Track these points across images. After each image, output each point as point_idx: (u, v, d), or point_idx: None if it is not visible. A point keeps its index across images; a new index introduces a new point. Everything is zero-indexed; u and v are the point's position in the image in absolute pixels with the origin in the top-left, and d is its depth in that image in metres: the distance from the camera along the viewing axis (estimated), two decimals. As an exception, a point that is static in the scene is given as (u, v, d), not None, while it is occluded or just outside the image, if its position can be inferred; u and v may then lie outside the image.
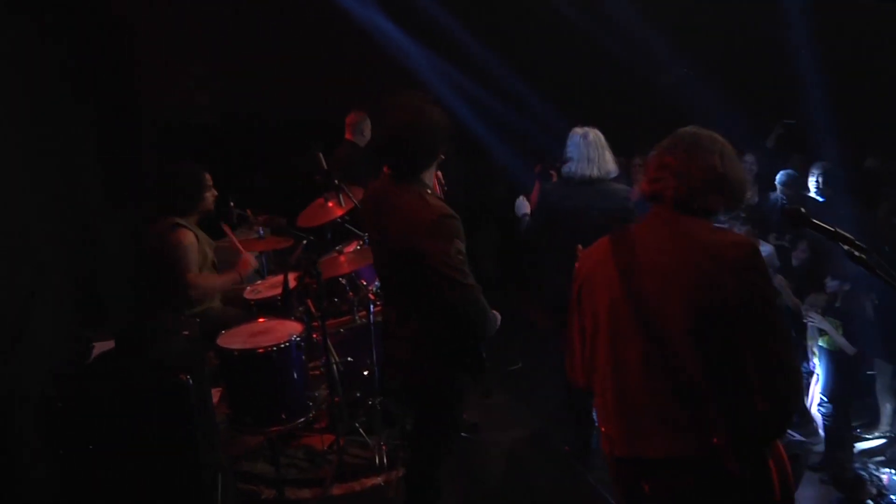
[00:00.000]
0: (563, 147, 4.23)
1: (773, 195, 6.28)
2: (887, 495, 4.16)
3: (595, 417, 3.63)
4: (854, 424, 4.63)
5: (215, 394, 3.90)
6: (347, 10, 7.21)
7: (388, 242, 2.90)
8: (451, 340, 2.92)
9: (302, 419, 3.84)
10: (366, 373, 4.49)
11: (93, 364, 2.84)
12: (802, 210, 2.08)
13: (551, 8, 7.44)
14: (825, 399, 4.46)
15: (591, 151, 4.10)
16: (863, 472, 4.29)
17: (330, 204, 4.84)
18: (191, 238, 4.15)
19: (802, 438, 4.60)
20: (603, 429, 2.36)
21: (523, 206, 4.59)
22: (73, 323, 3.90)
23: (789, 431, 4.41)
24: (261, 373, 3.70)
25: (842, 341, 4.33)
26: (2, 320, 2.98)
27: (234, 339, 3.79)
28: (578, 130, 4.18)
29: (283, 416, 3.77)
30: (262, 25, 7.66)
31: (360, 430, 4.46)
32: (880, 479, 4.27)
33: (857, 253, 2.02)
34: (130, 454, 2.71)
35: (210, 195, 4.31)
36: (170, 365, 2.74)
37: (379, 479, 4.12)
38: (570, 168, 4.16)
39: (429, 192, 2.88)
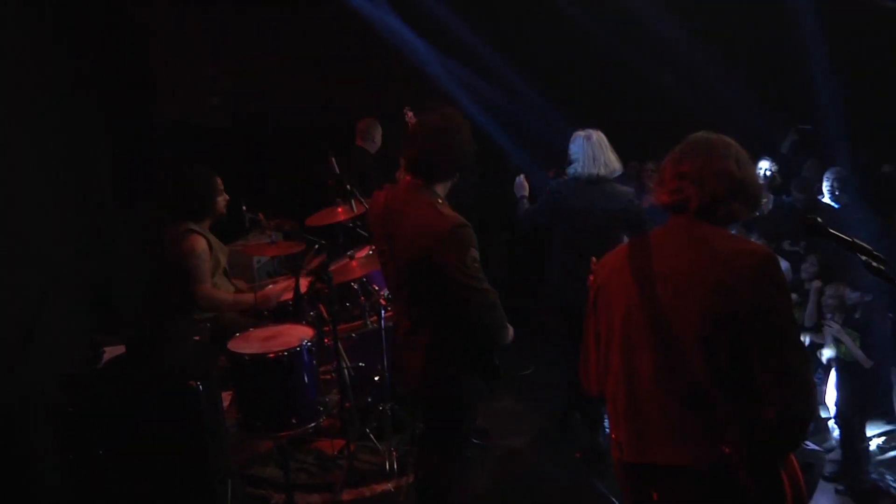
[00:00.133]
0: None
1: (786, 199, 6.23)
2: (904, 505, 4.11)
3: (607, 424, 3.62)
4: (871, 435, 4.56)
5: (226, 397, 3.90)
6: (362, 14, 7.21)
7: (399, 251, 2.89)
8: (466, 348, 2.91)
9: (312, 424, 3.82)
10: (377, 378, 4.48)
11: (103, 369, 2.84)
12: (819, 220, 2.05)
13: (563, 13, 7.43)
14: (839, 411, 4.40)
15: (595, 151, 4.18)
16: (880, 482, 4.24)
17: (340, 209, 4.85)
18: (203, 245, 4.15)
19: (816, 447, 4.54)
20: (613, 435, 2.35)
21: (522, 187, 4.67)
22: (85, 327, 3.91)
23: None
24: (271, 378, 3.68)
25: (859, 353, 4.27)
26: (14, 324, 2.98)
27: (245, 344, 3.78)
28: (581, 132, 4.26)
29: (294, 421, 3.74)
30: (276, 29, 7.69)
31: (371, 435, 4.45)
32: (898, 489, 4.22)
33: (874, 264, 1.99)
34: (140, 459, 2.72)
35: (222, 199, 4.30)
36: (180, 371, 2.74)
37: (389, 485, 4.10)
38: (575, 169, 4.23)
39: (440, 201, 2.88)
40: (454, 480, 3.20)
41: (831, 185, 5.91)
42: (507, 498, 4.18)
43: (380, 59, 7.72)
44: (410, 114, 5.08)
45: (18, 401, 2.88)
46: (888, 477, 4.34)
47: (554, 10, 7.44)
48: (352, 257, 4.47)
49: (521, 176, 4.74)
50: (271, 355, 3.67)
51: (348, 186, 4.77)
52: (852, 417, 4.32)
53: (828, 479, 4.25)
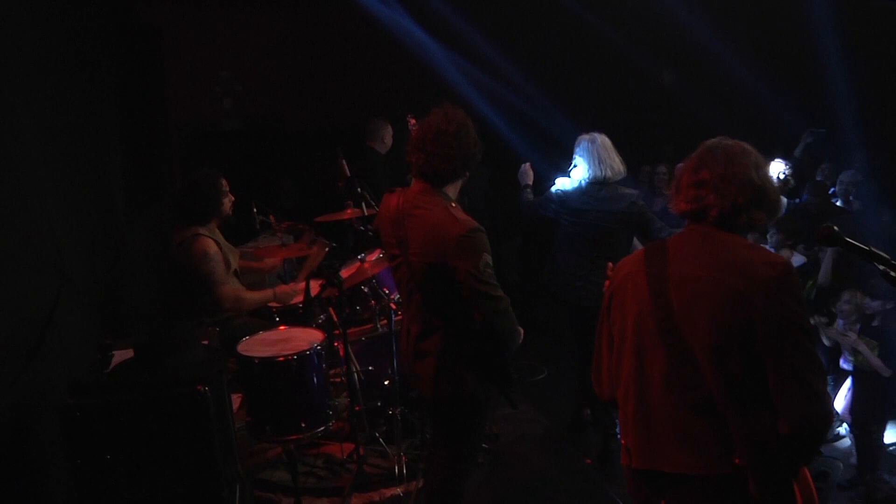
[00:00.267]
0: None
1: (798, 202, 6.18)
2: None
3: (618, 430, 3.61)
4: (889, 443, 4.51)
5: (235, 399, 3.89)
6: (374, 16, 7.21)
7: (412, 256, 2.87)
8: (478, 353, 2.90)
9: (321, 428, 3.82)
10: (386, 382, 4.47)
11: (111, 373, 2.84)
12: (836, 229, 2.01)
13: (573, 14, 7.41)
14: (855, 419, 4.35)
15: (600, 153, 4.25)
16: (896, 490, 4.19)
17: (348, 212, 4.85)
18: (214, 247, 4.15)
19: (831, 455, 4.49)
20: (623, 440, 2.33)
21: (526, 175, 4.75)
22: (95, 330, 3.91)
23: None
24: (281, 381, 3.68)
25: (877, 362, 4.21)
26: (24, 327, 2.99)
27: (254, 347, 3.79)
28: (585, 136, 4.32)
29: (303, 425, 3.75)
30: (288, 32, 7.72)
31: (380, 439, 4.43)
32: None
33: (892, 273, 1.96)
34: (148, 464, 2.71)
35: (228, 200, 4.30)
36: (188, 376, 2.73)
37: (398, 490, 4.08)
38: (579, 172, 4.31)
39: (453, 205, 2.87)
40: (464, 487, 3.18)
41: (845, 189, 5.87)
42: (516, 504, 4.17)
43: (392, 60, 7.73)
44: (413, 121, 5.08)
45: (27, 404, 2.88)
46: (905, 485, 4.29)
47: (566, 12, 7.42)
48: (362, 260, 4.46)
49: (527, 164, 4.81)
50: (281, 359, 3.67)
51: (359, 189, 4.76)
52: (869, 426, 4.27)
53: (843, 488, 4.20)
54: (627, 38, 7.61)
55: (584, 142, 4.30)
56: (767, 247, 4.99)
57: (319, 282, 4.34)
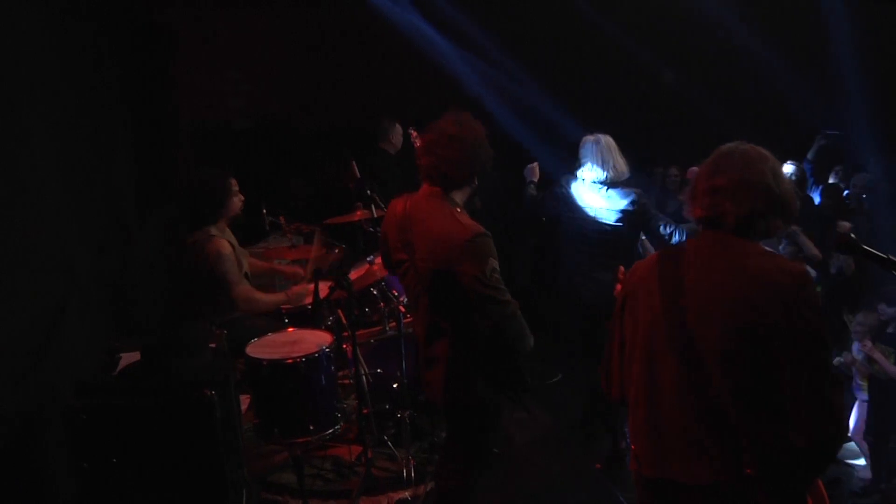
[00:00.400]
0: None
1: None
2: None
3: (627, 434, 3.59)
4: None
5: (244, 400, 3.88)
6: (384, 16, 7.19)
7: (418, 261, 2.85)
8: (488, 358, 2.87)
9: (330, 431, 3.80)
10: (395, 385, 4.45)
11: (118, 376, 2.83)
12: (853, 237, 1.98)
13: (587, 19, 7.38)
14: (869, 427, 4.30)
15: (604, 155, 4.32)
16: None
17: (358, 214, 4.83)
18: (227, 247, 4.14)
19: (845, 462, 4.44)
20: (633, 446, 2.30)
21: (532, 172, 4.86)
22: (103, 331, 3.91)
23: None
24: (289, 383, 3.67)
25: (893, 370, 4.16)
26: (32, 327, 2.98)
27: (263, 349, 3.77)
28: (590, 137, 4.40)
29: (311, 428, 3.73)
30: (298, 31, 7.70)
31: (389, 442, 4.41)
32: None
33: (911, 280, 1.92)
34: (154, 468, 2.70)
35: (237, 200, 4.29)
36: (195, 379, 2.72)
37: (406, 494, 4.06)
38: (583, 172, 4.40)
39: (459, 210, 2.86)
40: (474, 492, 3.15)
41: (858, 192, 5.82)
42: (525, 508, 4.14)
43: (405, 62, 7.71)
44: (415, 133, 5.08)
45: (34, 405, 2.87)
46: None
47: (578, 14, 7.39)
48: (371, 263, 4.44)
49: (535, 163, 4.91)
50: (289, 361, 3.66)
51: (368, 191, 4.74)
52: (887, 434, 4.22)
53: (857, 495, 4.15)
54: (640, 40, 7.57)
55: (588, 142, 4.38)
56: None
57: (328, 283, 4.33)
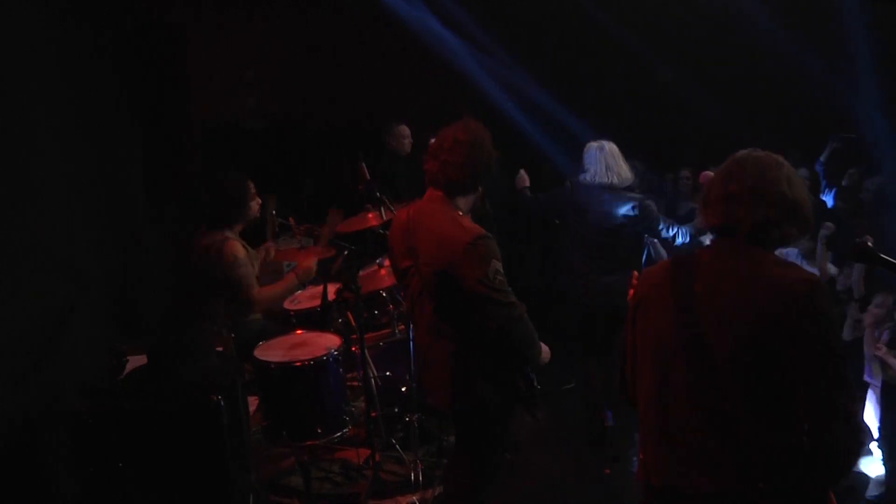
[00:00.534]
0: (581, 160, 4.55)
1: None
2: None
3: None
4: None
5: (252, 402, 3.88)
6: (398, 16, 7.18)
7: (422, 266, 2.84)
8: (494, 364, 2.85)
9: (338, 434, 3.79)
10: (404, 388, 4.43)
11: (124, 380, 2.82)
12: (870, 245, 1.94)
13: (595, 20, 7.35)
14: (884, 434, 4.24)
15: (608, 160, 4.41)
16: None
17: (370, 215, 4.81)
18: (242, 251, 4.14)
19: (858, 469, 4.39)
20: (641, 455, 2.27)
21: (522, 180, 4.94)
22: (110, 335, 3.90)
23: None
24: (297, 386, 3.66)
25: None
26: (38, 330, 2.98)
27: (271, 352, 3.77)
28: (594, 144, 4.48)
29: (319, 431, 3.73)
30: (312, 30, 7.70)
31: (397, 446, 4.39)
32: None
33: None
34: (159, 474, 2.69)
35: (255, 204, 4.28)
36: (201, 384, 2.71)
37: (414, 497, 4.04)
38: (585, 178, 4.47)
39: (461, 214, 2.86)
40: (482, 498, 3.13)
41: (873, 195, 5.77)
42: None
43: (417, 61, 7.69)
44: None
45: (39, 408, 2.87)
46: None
47: (591, 18, 7.36)
48: (381, 265, 4.43)
49: (522, 171, 4.98)
50: (297, 364, 3.65)
51: (378, 193, 4.72)
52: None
53: (871, 503, 4.10)
54: (651, 41, 7.54)
55: (592, 149, 4.46)
56: (797, 258, 4.90)
57: (336, 286, 4.31)
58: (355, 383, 4.63)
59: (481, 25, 7.43)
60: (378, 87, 7.78)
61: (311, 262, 4.27)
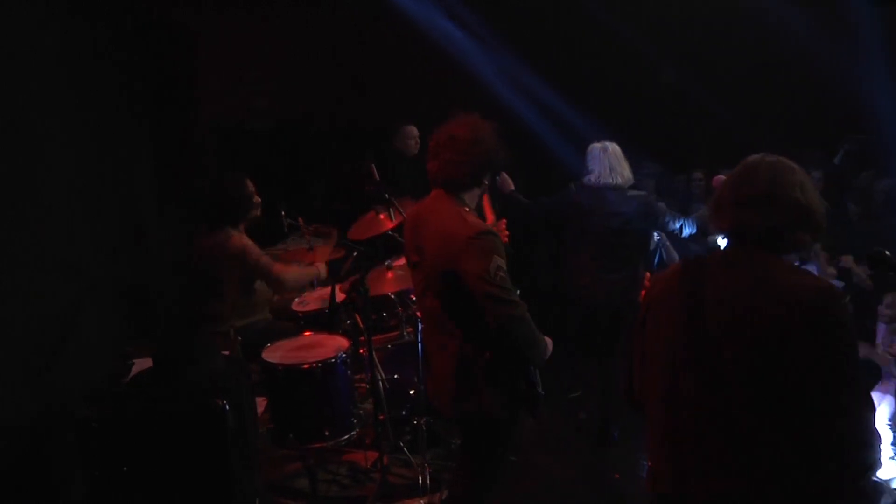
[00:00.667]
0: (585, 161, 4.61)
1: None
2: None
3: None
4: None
5: (260, 403, 3.87)
6: (406, 16, 7.15)
7: (426, 262, 2.85)
8: (499, 367, 2.82)
9: (345, 437, 3.78)
10: (412, 391, 4.41)
11: (129, 384, 2.81)
12: (887, 252, 1.90)
13: (605, 23, 7.31)
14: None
15: (611, 161, 4.47)
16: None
17: (381, 216, 4.79)
18: (248, 240, 4.19)
19: (877, 478, 4.33)
20: (649, 463, 2.24)
21: (505, 184, 4.94)
22: (118, 336, 3.90)
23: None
24: (304, 388, 3.65)
25: None
26: (44, 332, 2.98)
27: (279, 353, 3.76)
28: (597, 145, 4.54)
29: (327, 433, 3.72)
30: (320, 31, 7.68)
31: (405, 448, 4.37)
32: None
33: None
34: (164, 478, 2.67)
35: (255, 203, 4.30)
36: (207, 388, 2.69)
37: (421, 501, 4.01)
38: (590, 179, 4.52)
39: (467, 209, 2.84)
40: (486, 501, 3.11)
41: (883, 198, 5.72)
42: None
43: (426, 62, 7.66)
44: None
45: (45, 412, 2.87)
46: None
47: (601, 21, 7.32)
48: (389, 267, 4.41)
49: (503, 173, 4.95)
50: (305, 366, 3.64)
51: (386, 195, 4.71)
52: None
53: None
54: (662, 47, 7.49)
55: (595, 150, 4.52)
56: (812, 266, 4.85)
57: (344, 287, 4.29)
58: (363, 385, 4.61)
59: (492, 27, 7.39)
60: (387, 88, 7.76)
61: (326, 251, 4.48)
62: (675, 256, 5.18)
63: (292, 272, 4.30)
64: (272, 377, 3.68)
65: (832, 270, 5.06)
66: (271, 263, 4.19)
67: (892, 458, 4.34)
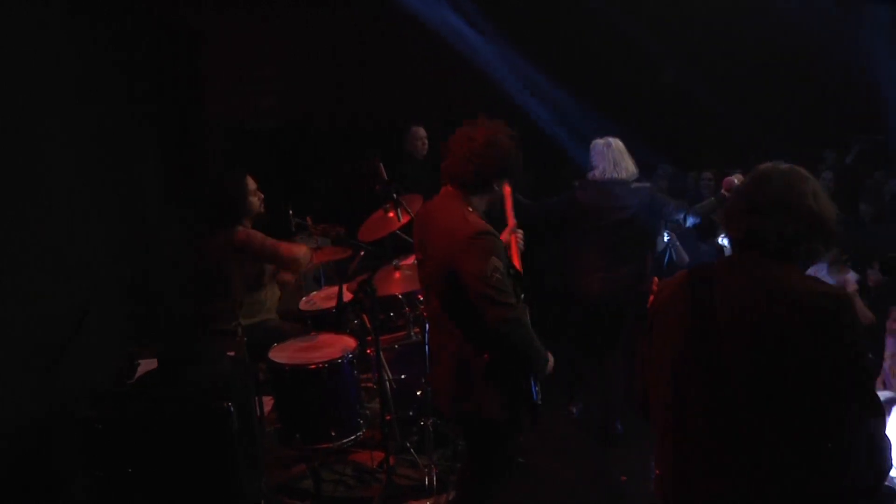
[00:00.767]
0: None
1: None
2: None
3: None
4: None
5: (267, 402, 3.86)
6: (414, 15, 7.14)
7: (430, 260, 2.86)
8: (497, 365, 2.80)
9: (352, 437, 3.77)
10: (419, 392, 4.39)
11: (134, 385, 2.81)
12: (899, 259, 1.88)
13: (614, 25, 7.29)
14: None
15: (615, 156, 4.48)
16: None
17: (391, 214, 4.77)
18: (252, 229, 4.17)
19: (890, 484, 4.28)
20: (657, 471, 2.21)
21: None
22: (125, 338, 3.90)
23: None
24: (311, 389, 3.65)
25: None
26: (50, 333, 2.97)
27: (285, 354, 3.75)
28: (600, 141, 4.56)
29: (333, 434, 3.71)
30: (328, 31, 7.68)
31: (411, 449, 4.35)
32: None
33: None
34: (168, 479, 2.67)
35: (256, 199, 4.28)
36: (211, 390, 2.69)
37: (428, 502, 3.99)
38: (594, 175, 4.54)
39: (471, 210, 2.83)
40: (491, 502, 3.09)
41: (894, 198, 5.68)
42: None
43: (434, 60, 7.66)
44: None
45: (51, 412, 2.86)
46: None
47: (612, 22, 7.30)
48: (397, 267, 4.39)
49: None
50: (312, 366, 3.63)
51: (395, 195, 4.69)
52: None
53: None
54: (674, 47, 7.47)
55: (598, 146, 4.54)
56: (823, 272, 4.80)
57: (351, 287, 4.28)
58: (370, 385, 4.60)
59: (501, 26, 7.38)
60: (395, 88, 7.76)
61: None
62: (685, 257, 5.14)
63: (299, 247, 4.28)
64: (279, 377, 3.67)
65: (848, 276, 4.99)
66: (278, 243, 4.16)
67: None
